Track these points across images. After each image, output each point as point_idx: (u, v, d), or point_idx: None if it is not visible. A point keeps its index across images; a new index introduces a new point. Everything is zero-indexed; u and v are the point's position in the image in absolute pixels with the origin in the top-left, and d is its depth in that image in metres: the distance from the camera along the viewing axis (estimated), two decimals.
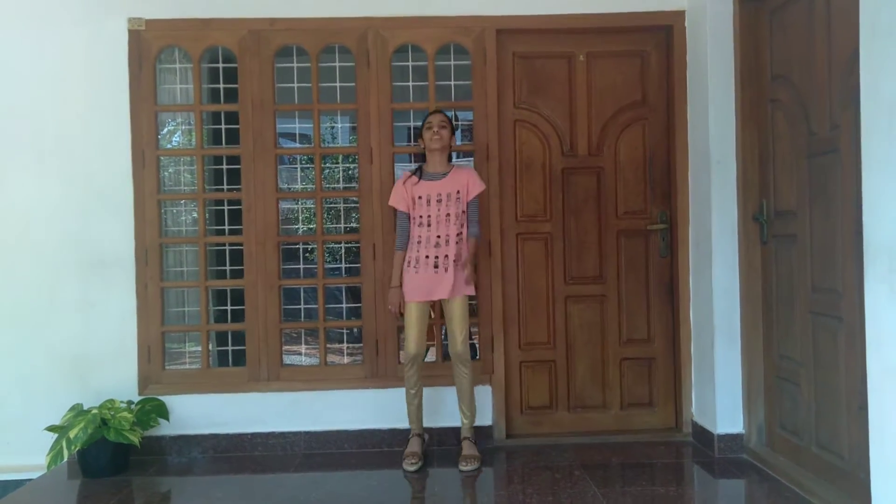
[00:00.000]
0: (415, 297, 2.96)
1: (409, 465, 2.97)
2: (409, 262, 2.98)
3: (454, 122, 3.16)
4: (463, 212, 2.99)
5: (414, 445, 3.05)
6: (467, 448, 3.04)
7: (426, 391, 3.13)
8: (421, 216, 2.96)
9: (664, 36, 3.41)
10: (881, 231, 1.91)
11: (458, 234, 2.96)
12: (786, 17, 2.77)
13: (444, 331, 3.25)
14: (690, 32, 3.30)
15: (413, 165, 3.22)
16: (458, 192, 2.97)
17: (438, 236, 2.93)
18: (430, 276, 2.93)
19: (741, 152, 3.04)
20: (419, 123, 3.11)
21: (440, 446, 3.25)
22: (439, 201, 2.94)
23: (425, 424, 3.15)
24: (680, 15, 3.33)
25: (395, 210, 3.15)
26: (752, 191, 3.03)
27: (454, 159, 3.40)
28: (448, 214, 2.94)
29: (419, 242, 2.95)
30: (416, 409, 3.08)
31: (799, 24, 2.67)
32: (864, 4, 1.97)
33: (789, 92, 2.75)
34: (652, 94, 3.45)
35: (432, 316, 3.26)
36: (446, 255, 2.93)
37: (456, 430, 3.17)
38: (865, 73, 1.97)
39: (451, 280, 2.93)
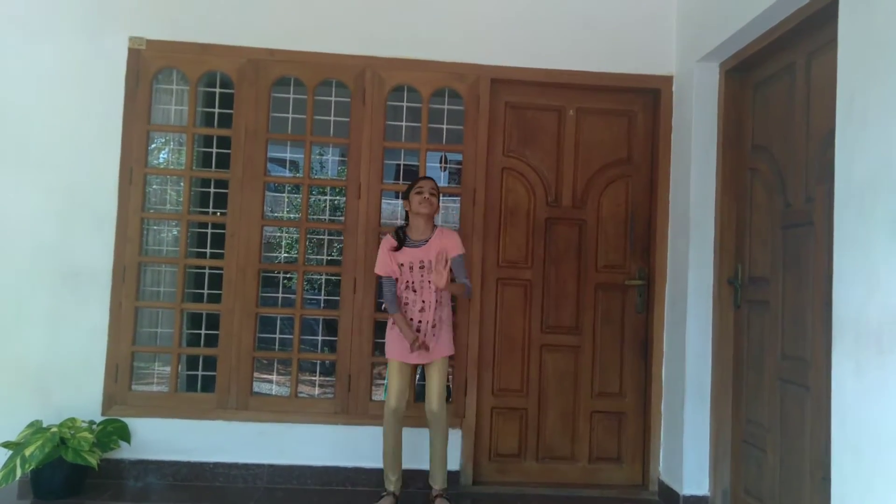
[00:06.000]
0: (399, 356, 2.93)
1: None
2: (393, 322, 2.97)
3: (444, 164, 3.20)
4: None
5: (387, 502, 2.93)
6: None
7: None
8: (407, 281, 2.95)
9: (652, 98, 3.52)
10: (849, 307, 1.96)
11: (437, 301, 2.93)
12: (768, 91, 2.88)
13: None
14: (677, 98, 3.41)
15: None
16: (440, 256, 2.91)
17: (423, 301, 2.92)
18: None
19: (719, 217, 3.12)
20: (410, 162, 3.11)
21: (415, 488, 3.16)
22: (422, 267, 2.93)
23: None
24: (668, 80, 3.45)
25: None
26: (728, 255, 3.10)
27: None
28: (430, 281, 2.91)
29: (406, 304, 2.95)
30: (392, 458, 2.93)
31: (780, 99, 2.78)
32: (840, 91, 2.07)
33: (768, 162, 2.85)
34: (637, 153, 3.54)
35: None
36: (427, 321, 2.92)
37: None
38: (840, 154, 2.05)
39: (432, 345, 2.92)
